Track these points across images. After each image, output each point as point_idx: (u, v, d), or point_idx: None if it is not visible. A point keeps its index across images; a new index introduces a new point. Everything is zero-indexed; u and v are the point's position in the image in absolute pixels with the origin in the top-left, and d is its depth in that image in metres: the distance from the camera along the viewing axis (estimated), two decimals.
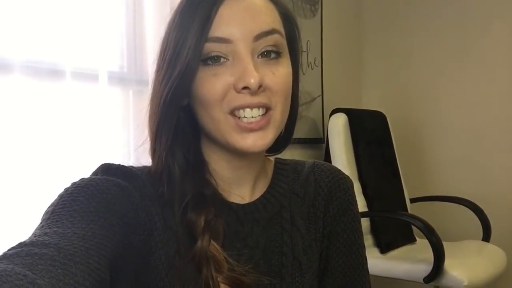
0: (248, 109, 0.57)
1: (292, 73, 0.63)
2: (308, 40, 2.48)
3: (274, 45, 0.59)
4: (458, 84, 2.73)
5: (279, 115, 0.60)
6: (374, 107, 2.57)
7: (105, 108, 1.42)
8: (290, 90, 0.62)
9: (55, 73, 1.30)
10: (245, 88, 0.56)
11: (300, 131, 2.36)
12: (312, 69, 2.52)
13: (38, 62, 1.27)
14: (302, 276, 0.67)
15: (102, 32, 1.41)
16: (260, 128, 0.58)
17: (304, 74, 2.44)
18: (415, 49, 2.87)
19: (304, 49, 2.46)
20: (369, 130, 2.37)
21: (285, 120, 0.63)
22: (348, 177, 0.76)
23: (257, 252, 0.65)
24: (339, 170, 0.76)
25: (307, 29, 2.47)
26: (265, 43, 0.59)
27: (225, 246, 0.61)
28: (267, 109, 0.59)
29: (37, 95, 1.28)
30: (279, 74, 0.59)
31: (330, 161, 2.23)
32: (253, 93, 0.56)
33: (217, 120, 0.59)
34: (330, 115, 2.31)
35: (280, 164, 0.74)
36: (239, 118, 0.58)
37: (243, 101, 0.57)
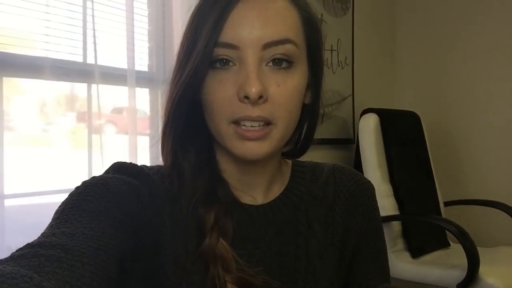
0: (247, 120, 0.56)
1: (305, 83, 0.61)
2: (339, 39, 2.44)
3: (285, 54, 0.57)
4: (494, 84, 2.63)
5: (280, 130, 0.58)
6: (407, 108, 2.50)
7: (134, 108, 1.44)
8: (297, 103, 0.60)
9: (84, 73, 1.31)
10: (246, 97, 0.55)
11: (330, 131, 2.32)
12: (342, 68, 2.48)
13: (67, 63, 1.29)
14: (315, 281, 0.65)
15: (130, 32, 1.42)
16: (257, 139, 0.56)
17: (334, 73, 2.41)
18: (451, 48, 2.78)
19: (335, 48, 2.42)
20: (402, 131, 2.31)
21: (290, 132, 0.61)
22: (370, 182, 0.73)
23: (270, 255, 0.64)
24: (360, 175, 0.73)
25: (337, 27, 2.43)
26: (275, 52, 0.56)
27: (235, 247, 0.60)
28: (268, 123, 0.57)
29: (67, 95, 1.30)
30: (285, 86, 0.57)
31: (360, 162, 2.19)
32: (254, 103, 0.55)
33: (219, 127, 0.58)
34: (361, 115, 2.27)
35: (297, 167, 0.72)
36: (239, 125, 0.57)
37: (244, 113, 0.55)
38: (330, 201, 0.69)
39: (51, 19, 1.25)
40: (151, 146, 1.51)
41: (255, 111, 0.55)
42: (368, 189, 0.71)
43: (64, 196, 0.53)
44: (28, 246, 0.44)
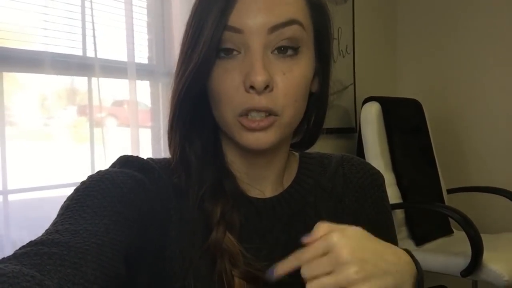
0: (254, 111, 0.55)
1: (312, 71, 0.60)
2: (340, 27, 2.42)
3: (291, 39, 0.56)
4: (496, 72, 2.60)
5: (286, 119, 0.57)
6: (409, 95, 2.49)
7: (135, 100, 1.43)
8: (303, 91, 0.58)
9: (84, 67, 1.31)
10: (252, 87, 0.54)
11: (331, 121, 2.31)
12: (343, 57, 2.46)
13: (67, 57, 1.29)
14: None
15: (129, 25, 1.41)
16: (262, 129, 0.56)
17: (335, 62, 2.39)
18: (452, 35, 2.76)
19: (336, 36, 2.40)
20: (404, 119, 2.30)
21: (296, 121, 0.60)
22: (379, 172, 0.72)
23: (277, 249, 0.63)
24: (370, 165, 0.72)
25: (338, 15, 2.41)
26: (282, 36, 0.55)
27: (243, 241, 0.59)
28: (273, 113, 0.56)
29: (67, 89, 1.29)
30: (291, 75, 0.56)
31: (362, 151, 2.18)
32: (260, 92, 0.54)
33: (225, 118, 0.57)
34: (363, 103, 2.25)
35: (305, 158, 0.71)
36: (245, 116, 0.56)
37: (250, 104, 0.55)
38: (339, 193, 0.68)
39: (49, 12, 1.24)
40: (153, 139, 1.51)
41: (262, 101, 0.54)
42: (378, 179, 0.71)
43: (67, 190, 0.53)
44: (31, 244, 0.43)
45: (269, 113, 0.55)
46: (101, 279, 0.43)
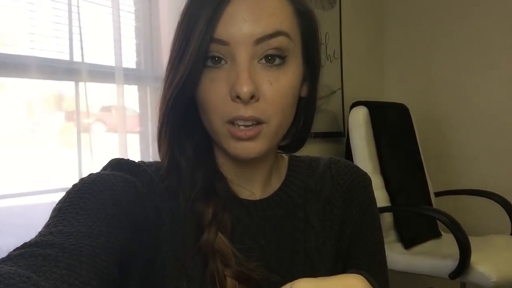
0: (241, 120, 0.56)
1: (300, 78, 0.61)
2: (327, 33, 2.44)
3: (278, 48, 0.56)
4: (483, 75, 2.64)
5: (273, 128, 0.57)
6: (396, 100, 2.51)
7: (123, 106, 1.42)
8: (291, 100, 0.59)
9: (71, 72, 1.30)
10: (238, 97, 0.54)
11: (319, 125, 2.32)
12: (331, 62, 2.48)
13: (54, 61, 1.27)
14: (313, 274, 0.65)
15: (117, 29, 1.40)
16: (250, 138, 0.56)
17: (323, 67, 2.39)
18: (438, 39, 2.79)
19: (323, 41, 2.41)
20: (391, 123, 2.32)
21: (284, 129, 0.61)
22: (366, 173, 0.73)
23: (268, 249, 0.64)
24: (357, 167, 0.73)
25: (325, 21, 2.43)
26: (268, 47, 0.55)
27: (234, 242, 0.59)
28: (260, 122, 0.56)
29: (54, 94, 1.28)
30: (278, 84, 0.56)
31: (351, 155, 2.19)
32: (245, 102, 0.54)
33: (214, 126, 0.58)
34: (351, 108, 2.27)
35: (294, 161, 0.72)
36: (233, 125, 0.56)
37: (237, 113, 0.55)
38: (327, 194, 0.69)
39: (36, 17, 1.23)
40: (141, 143, 1.50)
41: (248, 111, 0.55)
42: (364, 181, 0.72)
43: (54, 196, 0.52)
44: (25, 245, 0.43)
45: (256, 122, 0.56)
46: (96, 280, 0.43)
